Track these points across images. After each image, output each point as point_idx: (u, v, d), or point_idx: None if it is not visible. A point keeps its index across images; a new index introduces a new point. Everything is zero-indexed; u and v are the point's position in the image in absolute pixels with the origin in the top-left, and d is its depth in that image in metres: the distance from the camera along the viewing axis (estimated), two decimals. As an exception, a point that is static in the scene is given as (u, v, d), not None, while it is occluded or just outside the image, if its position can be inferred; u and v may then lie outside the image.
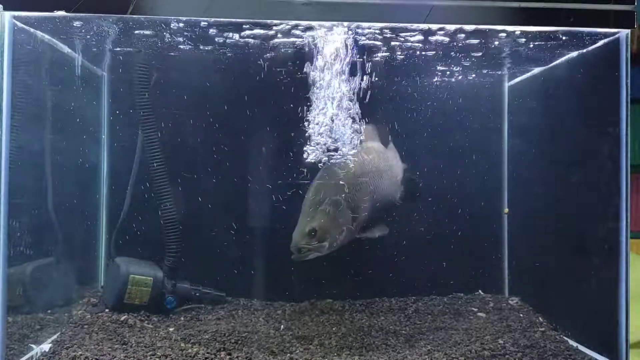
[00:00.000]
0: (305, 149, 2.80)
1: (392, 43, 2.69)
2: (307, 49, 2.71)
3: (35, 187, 2.67)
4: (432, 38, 2.59)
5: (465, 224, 3.39)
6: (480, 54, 2.85)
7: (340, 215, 2.48)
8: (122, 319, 2.83)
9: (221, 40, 2.68)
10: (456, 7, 2.28)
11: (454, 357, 2.42)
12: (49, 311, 2.75)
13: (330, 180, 2.55)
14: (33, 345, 2.46)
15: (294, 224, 3.20)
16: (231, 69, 3.14)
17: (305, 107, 2.78)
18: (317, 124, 2.78)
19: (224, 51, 2.88)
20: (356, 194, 2.56)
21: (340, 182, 2.54)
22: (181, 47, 2.82)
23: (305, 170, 3.06)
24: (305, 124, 2.78)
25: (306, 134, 2.77)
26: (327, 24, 2.44)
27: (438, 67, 3.17)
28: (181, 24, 2.45)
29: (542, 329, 2.81)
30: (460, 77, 3.33)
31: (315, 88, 2.74)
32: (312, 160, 2.82)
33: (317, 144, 2.80)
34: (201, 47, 2.82)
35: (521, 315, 3.05)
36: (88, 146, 3.28)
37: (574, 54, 2.74)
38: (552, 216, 3.07)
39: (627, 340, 2.33)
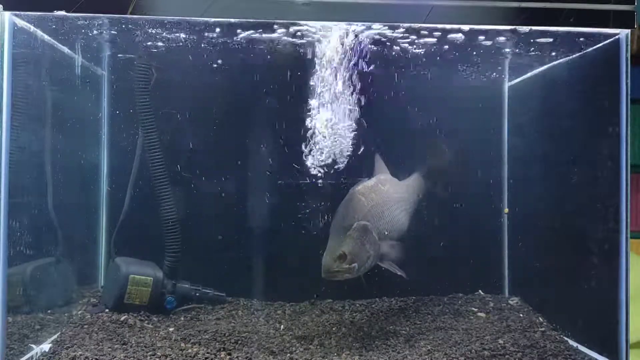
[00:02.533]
0: (305, 150, 2.80)
1: (391, 42, 2.70)
2: (307, 50, 2.72)
3: (35, 187, 2.67)
4: (432, 38, 2.59)
5: (465, 224, 3.39)
6: (480, 53, 2.85)
7: (367, 240, 2.57)
8: (122, 319, 2.83)
9: (221, 40, 2.68)
10: (456, 7, 2.28)
11: (454, 357, 2.42)
12: (49, 311, 2.75)
13: (355, 207, 2.65)
14: (33, 345, 2.46)
15: (294, 223, 3.22)
16: (231, 69, 3.14)
17: (305, 108, 2.78)
18: (317, 124, 2.78)
19: (224, 51, 2.88)
20: (379, 221, 2.66)
21: (365, 209, 2.65)
22: (181, 46, 2.83)
23: (305, 171, 3.07)
24: (306, 125, 2.78)
25: (306, 135, 2.78)
26: (328, 24, 2.45)
27: (438, 67, 3.17)
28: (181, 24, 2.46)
29: (542, 329, 2.81)
30: (460, 77, 3.33)
31: (315, 89, 2.75)
32: (312, 161, 2.84)
33: (317, 145, 2.80)
34: (201, 46, 2.83)
35: (521, 315, 3.06)
36: (88, 146, 3.28)
37: (574, 54, 2.74)
38: (552, 216, 3.07)
39: (627, 340, 2.33)
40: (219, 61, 3.06)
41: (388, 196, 2.80)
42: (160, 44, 2.78)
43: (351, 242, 2.52)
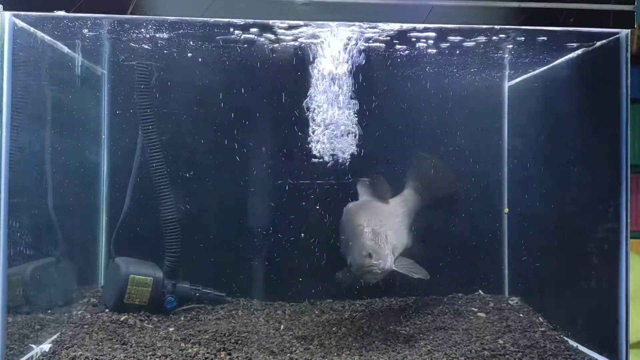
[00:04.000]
0: (304, 150, 2.81)
1: (391, 43, 2.70)
2: (305, 50, 2.72)
3: (35, 187, 2.67)
4: (432, 38, 2.59)
5: (465, 224, 3.39)
6: (480, 53, 2.85)
7: (381, 241, 2.66)
8: (122, 319, 2.83)
9: (220, 40, 2.68)
10: (456, 7, 2.28)
11: (454, 357, 2.42)
12: (49, 311, 2.75)
13: (356, 218, 2.77)
14: (33, 345, 2.46)
15: (294, 223, 3.22)
16: (230, 68, 3.14)
17: (304, 108, 2.78)
18: (317, 125, 2.79)
19: (223, 51, 2.88)
20: (380, 229, 2.73)
21: (365, 218, 2.75)
22: (180, 46, 2.83)
23: (304, 171, 3.08)
24: (305, 124, 2.79)
25: (305, 135, 2.78)
26: (327, 24, 2.45)
27: (438, 67, 3.17)
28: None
29: (542, 329, 2.81)
30: (460, 77, 3.33)
31: (313, 89, 2.76)
32: (312, 161, 2.84)
33: (316, 145, 2.81)
34: (200, 46, 2.83)
35: (521, 315, 3.06)
36: (88, 146, 3.28)
37: (574, 54, 2.74)
38: (552, 216, 3.07)
39: (627, 340, 2.33)
40: (217, 60, 3.06)
41: (380, 210, 2.91)
42: (158, 43, 2.79)
43: (369, 241, 2.61)
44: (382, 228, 2.73)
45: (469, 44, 2.65)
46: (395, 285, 3.19)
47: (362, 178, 3.07)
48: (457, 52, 2.81)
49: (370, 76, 2.90)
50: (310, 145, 2.81)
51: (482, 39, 2.58)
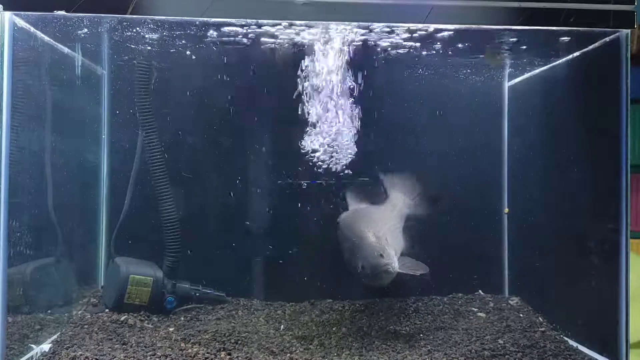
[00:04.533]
0: (303, 149, 2.81)
1: (391, 43, 2.70)
2: (305, 50, 2.73)
3: (35, 187, 2.67)
4: (432, 38, 2.59)
5: (465, 224, 3.39)
6: (479, 53, 2.85)
7: (384, 244, 2.68)
8: (122, 319, 2.83)
9: (219, 39, 2.68)
10: (456, 7, 2.28)
11: (454, 357, 2.42)
12: (49, 311, 2.75)
13: (356, 226, 2.81)
14: (33, 345, 2.46)
15: (294, 223, 3.23)
16: (229, 68, 3.14)
17: (303, 108, 2.79)
18: (315, 124, 2.79)
19: (222, 51, 2.89)
20: (379, 233, 2.76)
21: (362, 225, 2.79)
22: (180, 46, 2.83)
23: (304, 171, 3.08)
24: (303, 125, 2.79)
25: (304, 134, 2.78)
26: (327, 24, 2.45)
27: (438, 67, 3.17)
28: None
29: (542, 329, 2.81)
30: (459, 77, 3.33)
31: (311, 89, 2.76)
32: (311, 161, 2.85)
33: (315, 144, 2.81)
34: (200, 46, 2.83)
35: (521, 315, 3.06)
36: (88, 146, 3.28)
37: (574, 53, 2.74)
38: (552, 216, 3.07)
39: (627, 340, 2.34)
40: (217, 60, 3.06)
41: (375, 215, 2.96)
42: (157, 42, 2.79)
43: (377, 244, 2.63)
44: (381, 232, 2.75)
45: (468, 44, 2.65)
46: (401, 286, 3.20)
47: (351, 186, 3.11)
48: (456, 52, 2.81)
49: (367, 76, 2.90)
50: (309, 146, 2.81)
51: (481, 38, 2.58)
